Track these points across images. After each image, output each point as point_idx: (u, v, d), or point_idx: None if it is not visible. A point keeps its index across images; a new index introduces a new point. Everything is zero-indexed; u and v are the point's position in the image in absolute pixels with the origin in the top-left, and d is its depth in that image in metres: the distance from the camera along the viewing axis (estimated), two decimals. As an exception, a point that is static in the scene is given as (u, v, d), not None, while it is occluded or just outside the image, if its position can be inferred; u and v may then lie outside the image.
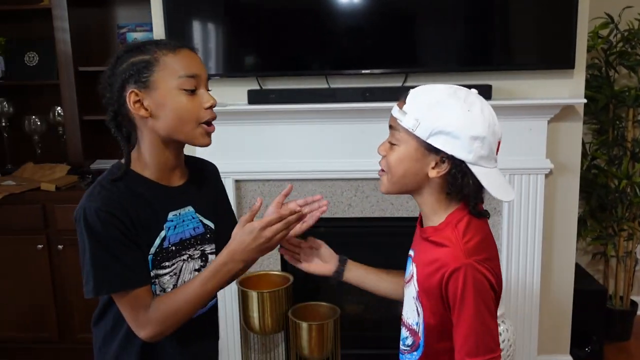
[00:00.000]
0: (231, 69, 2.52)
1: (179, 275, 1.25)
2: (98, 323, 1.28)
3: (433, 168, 1.11)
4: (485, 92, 2.33)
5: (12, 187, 2.72)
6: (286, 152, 2.51)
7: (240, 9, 2.47)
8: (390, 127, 1.15)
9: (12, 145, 3.07)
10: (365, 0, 2.37)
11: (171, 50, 1.16)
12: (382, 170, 1.18)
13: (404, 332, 1.25)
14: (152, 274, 1.21)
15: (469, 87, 2.36)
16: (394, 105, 1.14)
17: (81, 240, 1.14)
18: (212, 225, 1.32)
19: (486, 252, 1.13)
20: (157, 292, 1.23)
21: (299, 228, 1.32)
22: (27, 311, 2.77)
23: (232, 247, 1.16)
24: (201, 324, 1.31)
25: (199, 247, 1.29)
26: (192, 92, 1.17)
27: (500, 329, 2.15)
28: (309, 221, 1.34)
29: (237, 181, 2.56)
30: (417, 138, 1.10)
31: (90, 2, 2.93)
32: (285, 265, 2.70)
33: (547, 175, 2.47)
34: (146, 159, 1.21)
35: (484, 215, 1.17)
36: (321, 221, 2.57)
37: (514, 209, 2.48)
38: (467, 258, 1.08)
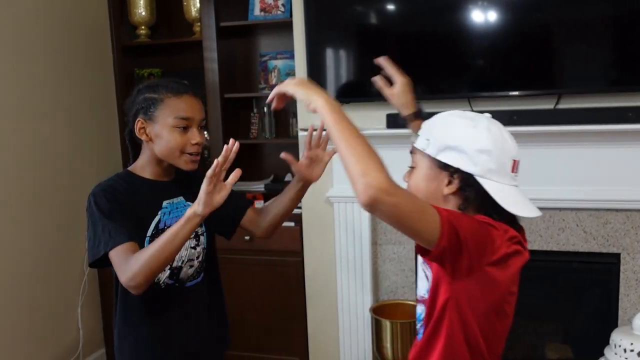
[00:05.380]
0: (370, 94, 2.49)
1: None
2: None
3: (447, 185, 1.15)
4: (655, 114, 2.07)
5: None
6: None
7: (378, 35, 2.46)
8: (411, 152, 1.23)
9: (163, 167, 3.30)
10: (509, 19, 2.24)
11: (175, 95, 1.43)
12: None
13: (419, 309, 1.26)
14: None
15: (633, 109, 2.14)
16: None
17: (91, 219, 1.39)
18: None
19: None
20: None
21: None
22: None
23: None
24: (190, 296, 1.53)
25: None
26: (185, 129, 1.43)
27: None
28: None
29: (372, 206, 2.51)
30: (429, 157, 1.16)
31: (236, 33, 3.09)
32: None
33: None
34: (145, 167, 1.50)
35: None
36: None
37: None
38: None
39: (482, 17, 2.27)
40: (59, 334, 2.80)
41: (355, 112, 2.54)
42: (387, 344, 2.39)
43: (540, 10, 2.22)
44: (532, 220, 2.34)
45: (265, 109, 3.04)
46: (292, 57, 2.85)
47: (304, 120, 2.58)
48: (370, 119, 2.47)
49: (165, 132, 1.43)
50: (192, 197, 1.48)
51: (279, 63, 3.05)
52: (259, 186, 3.02)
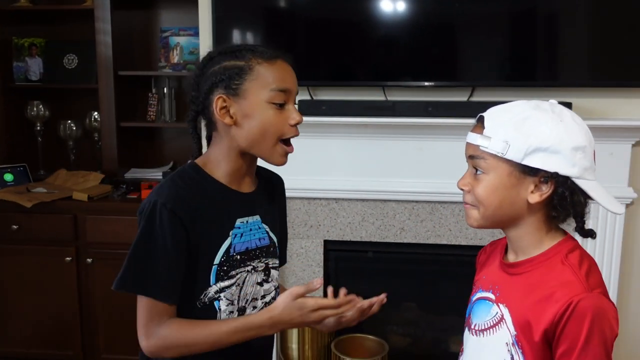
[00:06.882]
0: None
1: (241, 287, 1.18)
2: None
3: (532, 192, 0.99)
4: (564, 110, 2.10)
5: (42, 195, 2.58)
6: (336, 168, 2.31)
7: (288, 18, 2.32)
8: (471, 157, 1.03)
9: (45, 150, 2.94)
10: (420, 9, 2.19)
11: (267, 60, 1.11)
12: (469, 205, 1.06)
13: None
14: (216, 287, 1.14)
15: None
16: (469, 134, 1.03)
17: (140, 232, 1.10)
18: (275, 239, 1.26)
19: (604, 286, 1.00)
20: (223, 307, 1.15)
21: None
22: (51, 327, 2.61)
23: (276, 316, 1.10)
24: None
25: (264, 259, 1.23)
26: (281, 106, 1.12)
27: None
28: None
29: (280, 198, 2.37)
30: (509, 162, 0.98)
31: (134, 4, 2.81)
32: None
33: (627, 206, 2.21)
34: (219, 162, 1.16)
35: (591, 234, 1.04)
36: (369, 245, 2.41)
37: (587, 243, 2.21)
38: (590, 291, 0.95)
39: (392, 5, 2.21)
40: None
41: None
42: (293, 345, 2.28)
43: (449, 3, 2.19)
44: (443, 214, 2.31)
45: (165, 89, 2.79)
46: (196, 34, 2.63)
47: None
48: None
49: (259, 110, 1.10)
50: (270, 215, 1.23)
51: (181, 40, 2.81)
52: (156, 174, 2.76)
